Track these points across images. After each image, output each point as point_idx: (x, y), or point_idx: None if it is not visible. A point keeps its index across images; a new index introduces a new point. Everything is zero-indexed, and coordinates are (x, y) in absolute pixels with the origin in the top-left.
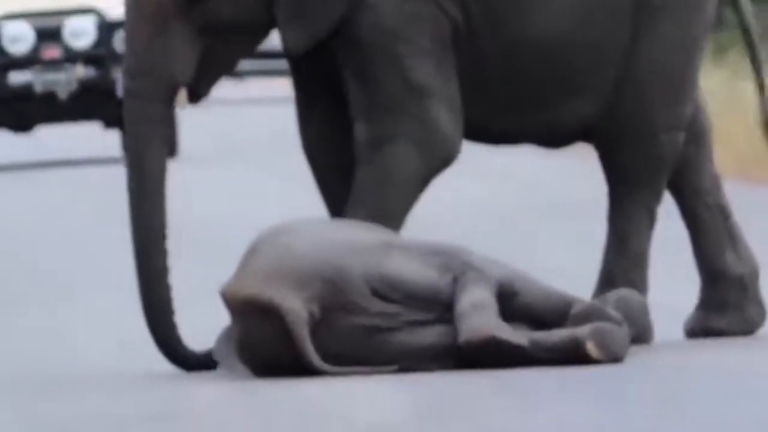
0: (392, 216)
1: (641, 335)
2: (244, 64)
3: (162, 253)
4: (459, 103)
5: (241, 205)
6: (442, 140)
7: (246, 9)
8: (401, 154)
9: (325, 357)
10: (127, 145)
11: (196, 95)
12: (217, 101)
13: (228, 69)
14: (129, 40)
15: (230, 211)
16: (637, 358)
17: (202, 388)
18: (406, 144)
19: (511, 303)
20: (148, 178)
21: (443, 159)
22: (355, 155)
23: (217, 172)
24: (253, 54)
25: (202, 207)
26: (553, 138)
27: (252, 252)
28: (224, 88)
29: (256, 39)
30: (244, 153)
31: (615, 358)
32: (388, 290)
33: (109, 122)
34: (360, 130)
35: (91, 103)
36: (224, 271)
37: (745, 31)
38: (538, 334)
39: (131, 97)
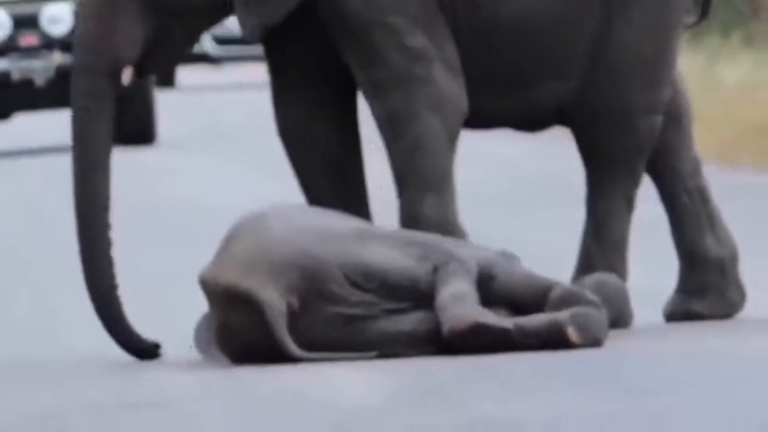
0: (439, 184)
1: (620, 319)
2: (221, 50)
3: (105, 228)
4: (458, 63)
5: (219, 190)
6: (453, 99)
7: None
8: (424, 126)
9: (305, 346)
10: (72, 122)
11: (143, 74)
12: (194, 87)
13: (181, 50)
14: (80, 15)
15: (208, 196)
16: (616, 342)
17: (183, 375)
18: (425, 114)
19: (489, 287)
20: (92, 153)
21: (458, 115)
22: (380, 133)
23: (195, 158)
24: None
25: (180, 192)
26: (529, 121)
27: (230, 238)
28: (201, 74)
29: (210, 21)
30: (221, 139)
31: (595, 343)
32: (365, 280)
33: None
34: (376, 109)
35: (68, 90)
36: (202, 256)
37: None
38: (520, 318)
39: (77, 71)
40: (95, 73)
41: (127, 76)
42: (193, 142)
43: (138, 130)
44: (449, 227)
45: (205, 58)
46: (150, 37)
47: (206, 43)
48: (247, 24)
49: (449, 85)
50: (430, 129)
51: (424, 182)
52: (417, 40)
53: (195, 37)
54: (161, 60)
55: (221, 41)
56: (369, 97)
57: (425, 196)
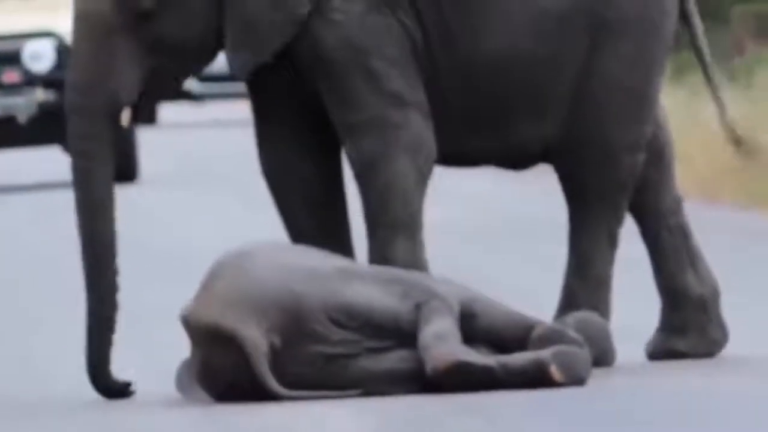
0: (408, 227)
1: (603, 358)
2: (203, 87)
3: (112, 272)
4: (428, 109)
5: (201, 227)
6: (426, 143)
7: (194, 29)
8: (397, 169)
9: (287, 384)
10: (72, 165)
11: (139, 115)
12: (176, 124)
13: (172, 89)
14: (74, 54)
15: (191, 233)
16: (599, 380)
17: (165, 413)
18: (398, 157)
19: (471, 325)
20: (95, 196)
21: (430, 160)
22: (353, 174)
23: (178, 195)
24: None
25: (163, 230)
26: (513, 159)
27: (212, 277)
28: (183, 111)
29: (203, 60)
30: (204, 176)
31: (578, 381)
32: (347, 318)
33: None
34: (350, 151)
35: (51, 127)
36: (184, 293)
37: (698, 50)
38: (503, 357)
39: (75, 113)
40: (94, 115)
41: (126, 117)
42: (175, 179)
43: (120, 167)
44: (419, 269)
45: (187, 96)
46: (145, 77)
47: (188, 81)
48: (236, 62)
49: (423, 130)
50: (401, 171)
51: (395, 224)
52: (394, 84)
53: (187, 76)
54: (155, 100)
55: (203, 78)
56: (344, 138)
57: (396, 237)
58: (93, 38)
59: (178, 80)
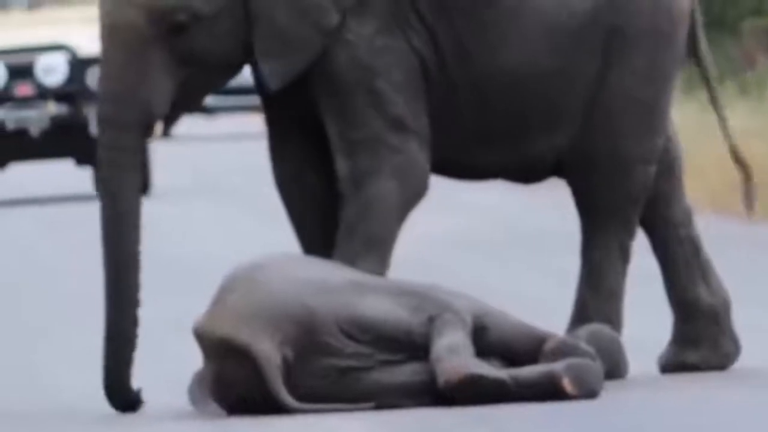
0: (381, 246)
1: (615, 370)
2: (216, 101)
3: (134, 285)
4: (428, 137)
5: (213, 240)
6: (418, 173)
7: (224, 43)
8: (384, 187)
9: (300, 397)
10: (102, 175)
11: (167, 127)
12: (189, 137)
13: (198, 101)
14: (105, 67)
15: (203, 246)
16: (611, 393)
17: (177, 426)
18: (387, 178)
19: (482, 338)
20: (123, 207)
21: (419, 191)
22: (340, 190)
23: (190, 209)
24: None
25: (175, 242)
26: (525, 172)
27: (225, 290)
28: (196, 124)
29: (230, 72)
30: (216, 189)
31: (590, 394)
32: (359, 331)
33: (81, 159)
34: (342, 166)
35: (63, 140)
36: (197, 306)
37: (702, 66)
38: (515, 369)
39: (106, 125)
40: (126, 126)
41: (158, 129)
42: (187, 191)
43: None
44: None
45: (200, 109)
46: (176, 89)
47: None
48: (269, 73)
49: (418, 158)
50: (387, 193)
51: (370, 241)
52: (398, 108)
53: (213, 89)
54: (181, 112)
55: (216, 92)
56: (338, 153)
57: (368, 254)
58: (126, 50)
59: (206, 92)
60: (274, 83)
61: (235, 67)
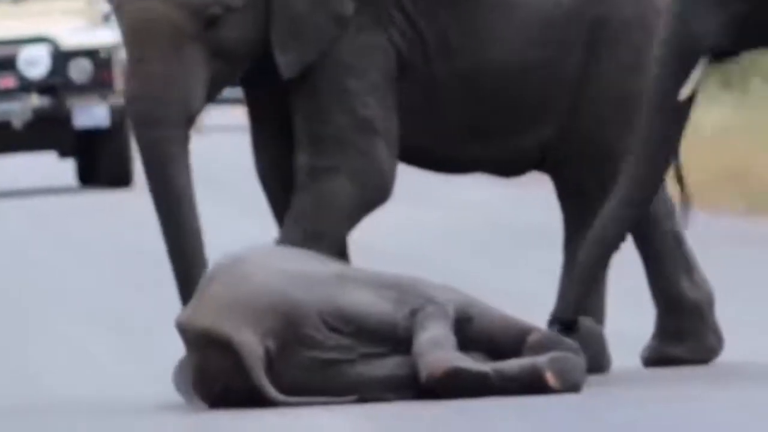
0: (325, 243)
1: (598, 364)
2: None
3: (203, 266)
4: (396, 140)
5: (220, 231)
6: (381, 178)
7: (251, 33)
8: (339, 185)
9: (283, 390)
10: (150, 174)
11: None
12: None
13: (217, 94)
14: (139, 65)
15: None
16: (594, 387)
17: (161, 420)
18: (347, 177)
19: (466, 331)
20: (181, 200)
21: (380, 196)
22: (296, 180)
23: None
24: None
25: (158, 235)
26: (509, 166)
27: (208, 281)
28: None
29: (247, 65)
30: (200, 180)
31: (573, 387)
32: (342, 324)
33: (65, 152)
34: (303, 158)
35: (46, 132)
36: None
37: None
38: (498, 363)
39: (145, 125)
40: (168, 123)
41: (199, 123)
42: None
43: (116, 172)
44: None
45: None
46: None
47: None
48: (285, 62)
49: (385, 162)
50: (341, 193)
51: (316, 236)
52: (368, 109)
53: (233, 80)
54: (205, 105)
55: None
56: (300, 147)
57: (315, 244)
58: (164, 47)
59: (226, 86)
60: (288, 72)
61: (255, 59)
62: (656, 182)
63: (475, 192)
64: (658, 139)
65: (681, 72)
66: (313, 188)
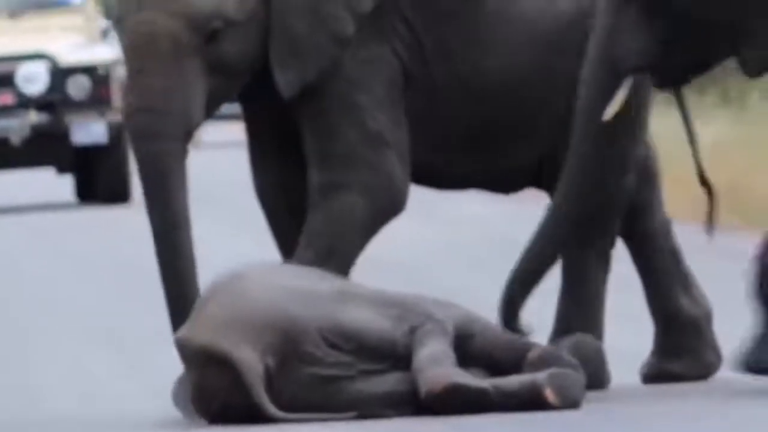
0: (340, 260)
1: (597, 380)
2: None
3: (194, 290)
4: (407, 151)
5: (205, 251)
6: (394, 191)
7: (251, 49)
8: (352, 202)
9: (282, 406)
10: (147, 186)
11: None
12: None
13: (216, 109)
14: (139, 77)
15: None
16: (593, 403)
17: None
18: (359, 192)
19: (467, 346)
20: (174, 210)
21: (392, 209)
22: (309, 200)
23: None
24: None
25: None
26: (507, 181)
27: (207, 299)
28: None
29: (245, 81)
30: (198, 196)
31: (572, 404)
32: (342, 341)
33: (63, 168)
34: (314, 176)
35: (44, 149)
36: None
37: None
38: (498, 379)
39: (144, 138)
40: (167, 136)
41: (197, 138)
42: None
43: (114, 188)
44: None
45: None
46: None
47: None
48: (283, 81)
49: (397, 177)
50: (354, 209)
51: (330, 253)
52: (377, 123)
53: (230, 97)
54: (204, 120)
55: None
56: (312, 164)
57: (326, 265)
58: (166, 60)
59: (224, 101)
60: (288, 91)
61: (253, 75)
62: (586, 198)
63: (474, 207)
64: (585, 157)
65: (607, 92)
66: (325, 206)
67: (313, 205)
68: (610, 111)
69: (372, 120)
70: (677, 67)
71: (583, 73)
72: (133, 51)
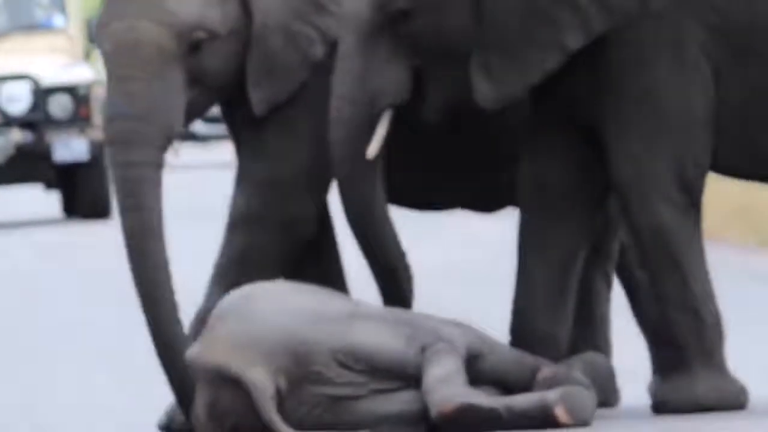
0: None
1: (607, 399)
2: (208, 128)
3: (170, 299)
4: (329, 181)
5: (193, 267)
6: (309, 222)
7: (231, 62)
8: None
9: (294, 426)
10: (121, 193)
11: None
12: (179, 165)
13: (192, 121)
14: (121, 84)
15: (185, 274)
16: (603, 422)
17: None
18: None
19: (476, 366)
20: (152, 221)
21: (303, 239)
22: (228, 222)
23: (175, 235)
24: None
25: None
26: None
27: (218, 318)
28: (188, 152)
29: (225, 92)
30: (202, 216)
31: (583, 423)
32: (353, 361)
33: (49, 184)
34: (240, 201)
35: (28, 166)
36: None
37: None
38: (509, 398)
39: (122, 143)
40: (146, 143)
41: (175, 148)
42: (174, 220)
43: (95, 204)
44: None
45: (192, 137)
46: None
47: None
48: (256, 100)
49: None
50: (271, 248)
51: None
52: (314, 150)
53: (208, 108)
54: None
55: (208, 120)
56: (240, 186)
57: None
58: (149, 68)
59: (201, 113)
60: (258, 110)
61: (234, 90)
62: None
63: (484, 228)
64: (356, 197)
65: (366, 131)
66: (235, 242)
67: (232, 229)
68: (373, 149)
69: (312, 147)
70: (437, 99)
71: (333, 112)
72: (117, 57)
